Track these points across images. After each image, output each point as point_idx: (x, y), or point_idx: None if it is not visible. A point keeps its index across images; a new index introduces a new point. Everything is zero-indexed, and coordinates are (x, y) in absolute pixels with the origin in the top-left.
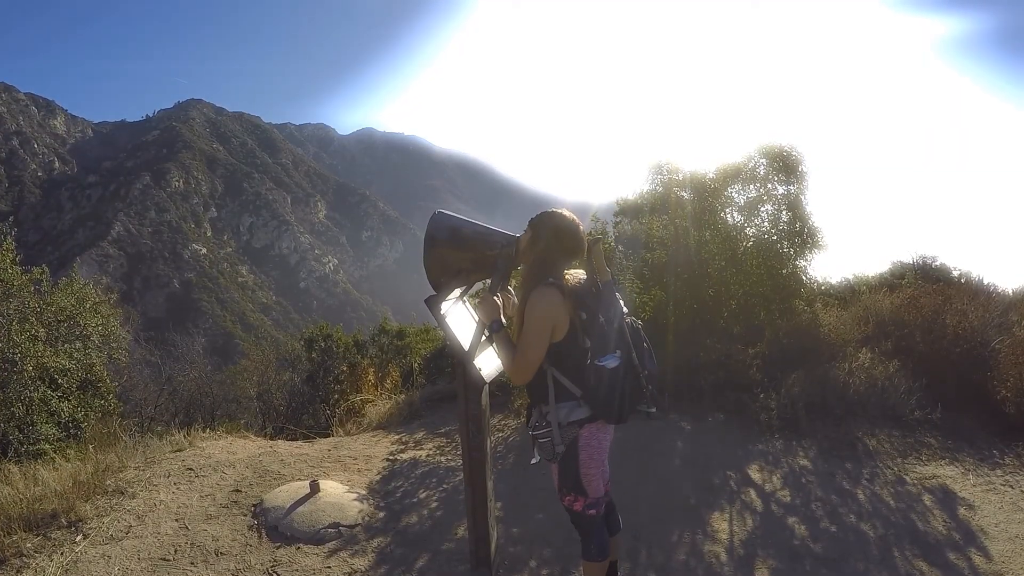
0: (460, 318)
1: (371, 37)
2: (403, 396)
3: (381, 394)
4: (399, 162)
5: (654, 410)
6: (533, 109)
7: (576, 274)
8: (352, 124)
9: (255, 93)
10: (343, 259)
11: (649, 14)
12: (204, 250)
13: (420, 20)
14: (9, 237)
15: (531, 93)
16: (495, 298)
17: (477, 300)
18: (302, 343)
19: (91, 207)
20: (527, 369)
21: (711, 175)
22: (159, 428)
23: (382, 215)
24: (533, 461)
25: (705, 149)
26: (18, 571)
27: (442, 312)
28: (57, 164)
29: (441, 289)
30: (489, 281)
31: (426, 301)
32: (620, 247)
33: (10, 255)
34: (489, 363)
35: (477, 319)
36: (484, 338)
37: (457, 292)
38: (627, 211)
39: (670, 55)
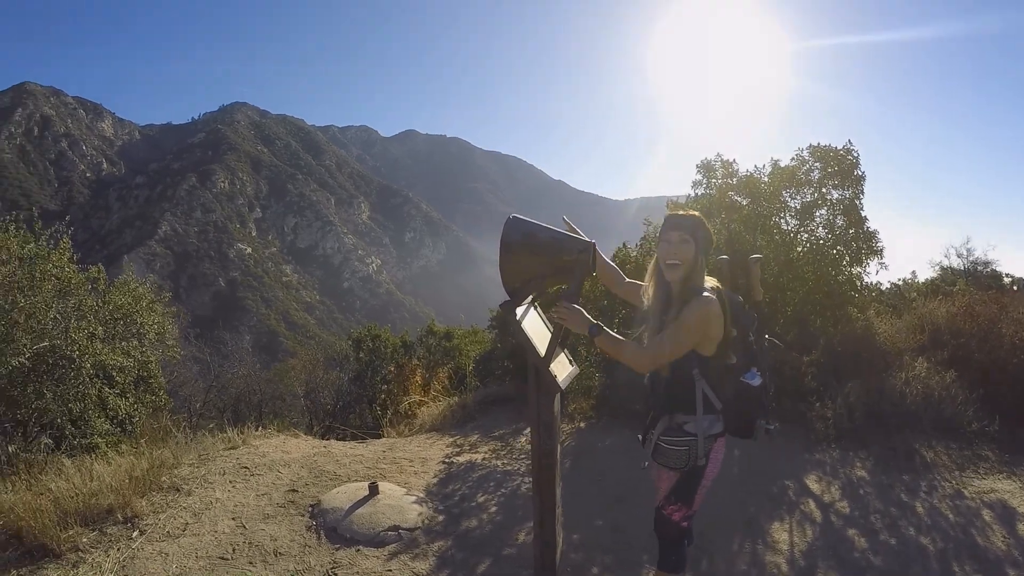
0: (534, 324)
1: (413, 39)
2: (456, 398)
3: (432, 396)
4: (441, 164)
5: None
6: (576, 108)
7: (717, 285)
8: (395, 126)
9: (298, 96)
10: (386, 260)
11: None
12: (249, 250)
13: (459, 22)
14: (66, 236)
15: (575, 91)
16: (576, 306)
17: (557, 311)
18: (350, 343)
19: (139, 207)
20: (659, 359)
21: (765, 179)
22: (211, 425)
23: (425, 217)
24: (645, 464)
25: (756, 150)
26: (74, 565)
27: (517, 318)
28: (105, 165)
29: (516, 295)
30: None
31: (501, 306)
32: None
33: (67, 254)
34: (563, 370)
35: (551, 327)
36: (558, 345)
37: (529, 298)
38: None
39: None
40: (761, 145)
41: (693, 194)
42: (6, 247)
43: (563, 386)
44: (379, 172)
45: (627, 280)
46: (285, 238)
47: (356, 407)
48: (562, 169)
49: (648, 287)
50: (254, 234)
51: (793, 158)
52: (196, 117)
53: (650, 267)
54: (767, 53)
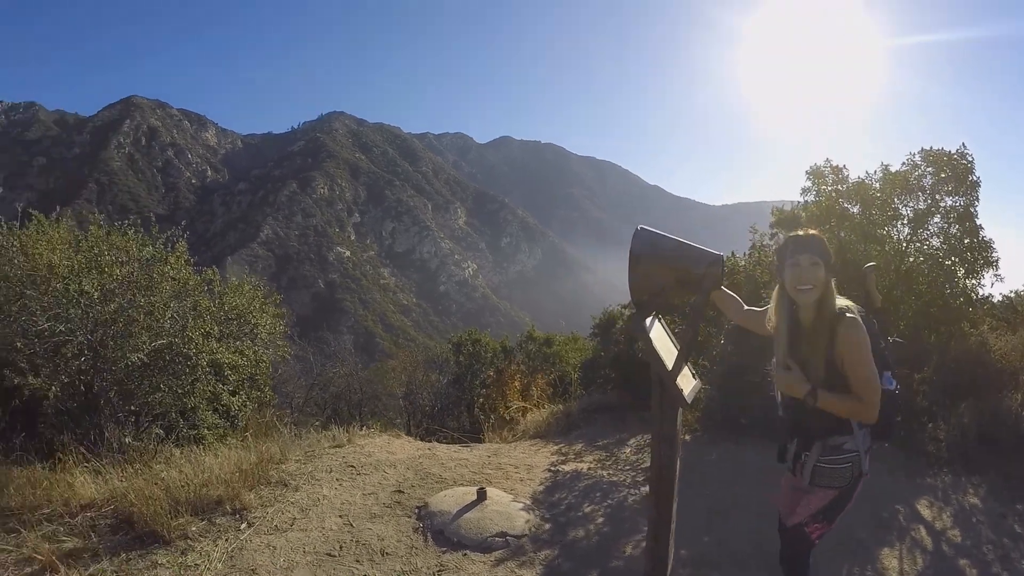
0: (658, 335)
1: (507, 46)
2: (560, 406)
3: (534, 402)
4: (536, 169)
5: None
6: (670, 112)
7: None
8: (490, 133)
9: (394, 104)
10: (482, 264)
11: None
12: (348, 253)
13: (553, 28)
14: (182, 240)
15: (668, 95)
16: (793, 368)
17: (776, 375)
18: (450, 346)
19: (241, 212)
20: (877, 400)
21: (876, 185)
22: (316, 422)
23: (521, 222)
24: (804, 487)
25: (864, 154)
26: (183, 553)
27: (645, 330)
28: (209, 172)
29: (644, 307)
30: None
31: (629, 318)
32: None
33: (183, 257)
34: (688, 384)
35: (675, 340)
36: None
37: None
38: (784, 222)
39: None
40: (860, 146)
41: (802, 201)
42: (125, 249)
43: (689, 400)
44: (475, 178)
45: (746, 307)
46: (383, 242)
47: (454, 410)
48: (657, 174)
49: (773, 314)
50: (353, 238)
51: (904, 163)
52: (296, 126)
53: (775, 293)
54: (862, 51)
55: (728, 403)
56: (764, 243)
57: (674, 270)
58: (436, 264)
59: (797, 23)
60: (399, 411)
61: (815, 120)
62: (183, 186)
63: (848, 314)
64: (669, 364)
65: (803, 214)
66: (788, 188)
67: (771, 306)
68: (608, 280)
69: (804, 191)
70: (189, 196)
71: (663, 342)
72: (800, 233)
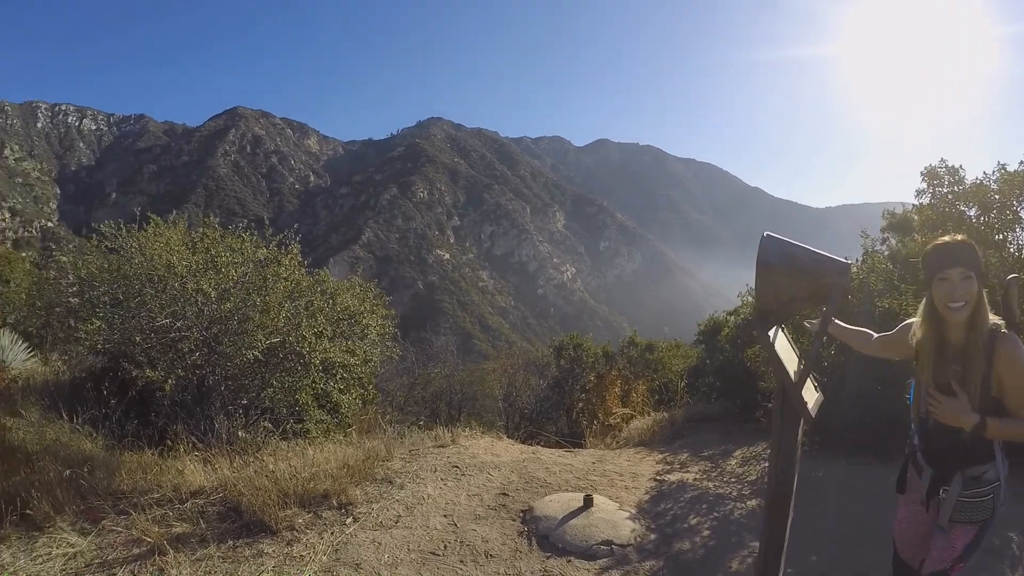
0: (782, 345)
1: (604, 48)
2: (664, 414)
3: (641, 409)
4: (635, 172)
5: None
6: (770, 111)
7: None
8: (587, 136)
9: (491, 109)
10: (581, 268)
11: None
12: (447, 255)
13: (648, 30)
14: (294, 243)
15: (768, 94)
16: (958, 395)
17: (931, 402)
18: (551, 350)
19: (343, 215)
20: None
21: (993, 186)
22: (420, 421)
23: (620, 226)
24: (942, 526)
25: (979, 154)
26: (288, 544)
27: (771, 340)
28: (312, 178)
29: (770, 316)
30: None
31: (753, 328)
32: (893, 266)
33: (296, 258)
34: (810, 396)
35: (798, 350)
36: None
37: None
38: (896, 226)
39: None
40: (970, 141)
41: (916, 203)
42: (241, 251)
43: (813, 414)
44: (572, 181)
45: (876, 336)
46: (482, 245)
47: (553, 414)
48: (758, 175)
49: (918, 329)
50: (452, 241)
51: (1022, 162)
52: (395, 132)
53: (921, 307)
54: (969, 40)
55: (835, 417)
56: (875, 248)
57: (805, 279)
58: (534, 267)
59: (898, 13)
60: (498, 413)
61: (918, 117)
62: (287, 191)
63: (1005, 331)
64: (793, 375)
65: (916, 217)
66: (893, 189)
67: (916, 320)
68: (709, 284)
69: (919, 193)
70: (292, 200)
71: (786, 353)
72: (947, 240)
